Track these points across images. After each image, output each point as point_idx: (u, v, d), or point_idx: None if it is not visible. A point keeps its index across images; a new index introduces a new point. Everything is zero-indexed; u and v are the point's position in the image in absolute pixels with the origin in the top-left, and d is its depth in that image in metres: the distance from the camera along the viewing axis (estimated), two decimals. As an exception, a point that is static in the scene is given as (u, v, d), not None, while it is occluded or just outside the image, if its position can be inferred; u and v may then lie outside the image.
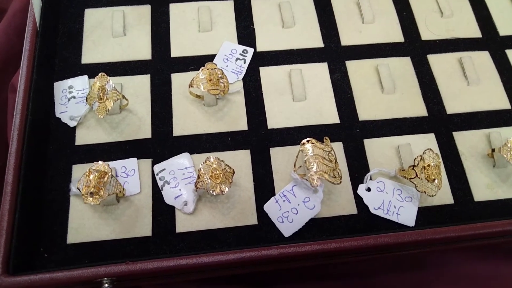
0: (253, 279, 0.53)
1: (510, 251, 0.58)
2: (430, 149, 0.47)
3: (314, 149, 0.46)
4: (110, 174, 0.44)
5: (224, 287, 0.52)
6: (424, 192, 0.47)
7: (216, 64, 0.51)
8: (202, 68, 0.50)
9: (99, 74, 0.49)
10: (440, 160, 0.47)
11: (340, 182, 0.46)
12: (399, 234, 0.44)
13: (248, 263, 0.42)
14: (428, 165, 0.46)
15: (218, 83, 0.50)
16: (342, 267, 0.55)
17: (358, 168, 0.51)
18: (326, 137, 0.48)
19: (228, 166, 0.46)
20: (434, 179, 0.46)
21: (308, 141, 0.47)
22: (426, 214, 0.49)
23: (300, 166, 0.48)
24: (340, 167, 0.51)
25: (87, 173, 0.44)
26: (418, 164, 0.47)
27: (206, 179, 0.44)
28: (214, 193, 0.44)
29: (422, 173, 0.46)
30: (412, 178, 0.47)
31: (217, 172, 0.44)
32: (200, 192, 0.47)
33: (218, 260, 0.41)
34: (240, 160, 0.51)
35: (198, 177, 0.45)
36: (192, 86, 0.50)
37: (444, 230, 0.44)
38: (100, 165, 0.45)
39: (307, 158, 0.46)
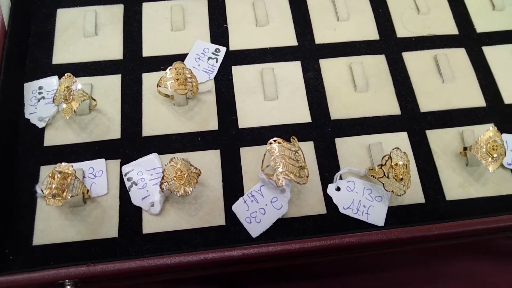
0: (223, 280, 0.52)
1: (487, 250, 0.58)
2: (398, 148, 0.46)
3: (281, 149, 0.46)
4: (73, 175, 0.44)
5: (195, 287, 0.52)
6: (392, 191, 0.46)
7: (184, 64, 0.50)
8: (170, 67, 0.50)
9: (66, 74, 0.49)
10: (408, 159, 0.46)
11: (306, 182, 0.46)
12: (364, 234, 0.43)
13: (212, 265, 0.42)
14: (396, 164, 0.46)
15: (185, 83, 0.49)
16: (317, 267, 0.54)
17: (329, 168, 0.51)
18: (294, 137, 0.47)
19: (193, 166, 0.46)
20: (402, 178, 0.46)
21: (275, 140, 0.46)
22: (397, 214, 0.49)
23: (268, 166, 0.47)
24: (310, 167, 0.51)
25: (50, 175, 0.44)
26: (386, 163, 0.46)
27: (170, 180, 0.44)
28: (178, 194, 0.44)
29: (390, 172, 0.46)
30: (380, 178, 0.46)
31: (182, 173, 0.44)
32: (166, 193, 0.47)
33: (180, 262, 0.41)
34: (209, 161, 0.50)
35: (163, 178, 0.45)
36: (160, 86, 0.50)
37: (410, 230, 0.44)
38: (64, 166, 0.44)
39: (274, 158, 0.46)
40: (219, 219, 0.48)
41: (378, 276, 0.55)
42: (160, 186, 0.45)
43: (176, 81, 0.49)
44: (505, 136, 0.53)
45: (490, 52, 0.59)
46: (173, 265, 0.41)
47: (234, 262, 0.42)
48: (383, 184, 0.46)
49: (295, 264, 0.54)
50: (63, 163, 0.45)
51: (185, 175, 0.44)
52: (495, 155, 0.47)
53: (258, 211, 0.47)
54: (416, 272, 0.56)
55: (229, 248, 0.42)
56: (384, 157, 0.46)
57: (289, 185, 0.47)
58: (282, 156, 0.45)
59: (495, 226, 0.44)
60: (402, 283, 0.54)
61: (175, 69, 0.49)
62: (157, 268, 0.41)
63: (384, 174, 0.46)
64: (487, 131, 0.48)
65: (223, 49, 0.57)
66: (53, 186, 0.43)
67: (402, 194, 0.46)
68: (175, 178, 0.44)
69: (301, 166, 0.46)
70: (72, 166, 0.45)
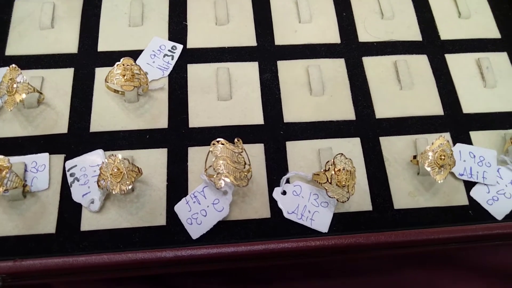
0: (162, 280, 0.52)
1: (445, 260, 0.57)
2: (342, 154, 0.46)
3: (223, 150, 0.45)
4: (9, 169, 0.43)
5: (135, 286, 0.51)
6: (335, 197, 0.45)
7: (132, 60, 0.49)
8: (117, 63, 0.49)
9: (10, 66, 0.48)
10: (354, 165, 0.46)
11: (247, 184, 0.45)
12: (299, 240, 0.43)
13: (141, 265, 0.41)
14: (339, 170, 0.45)
15: (133, 79, 0.48)
16: (261, 271, 0.54)
17: (278, 171, 0.50)
18: (238, 138, 0.46)
19: (133, 165, 0.45)
20: (344, 185, 0.45)
21: (218, 141, 0.46)
22: (343, 221, 0.48)
23: (210, 167, 0.46)
24: (259, 169, 0.50)
25: (-15, 167, 0.43)
26: (329, 168, 0.45)
27: (107, 177, 0.43)
28: (114, 192, 0.43)
29: (333, 178, 0.45)
30: (324, 183, 0.46)
31: (118, 170, 0.43)
32: (105, 191, 0.46)
33: (107, 261, 0.40)
34: (155, 159, 0.50)
35: (100, 175, 0.44)
36: (107, 81, 0.49)
37: (346, 238, 0.43)
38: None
39: (215, 159, 0.45)
40: (160, 219, 0.47)
41: (328, 284, 0.54)
42: (98, 183, 0.44)
43: (123, 77, 0.48)
44: (459, 146, 0.52)
45: (453, 60, 0.58)
46: (100, 264, 0.40)
47: (166, 263, 0.41)
48: (326, 190, 0.45)
49: (231, 268, 0.53)
50: (0, 156, 0.44)
51: (122, 173, 0.43)
52: (442, 165, 0.46)
53: (199, 213, 0.46)
54: (371, 281, 0.55)
55: (161, 249, 0.41)
56: (327, 162, 0.46)
57: (232, 187, 0.46)
58: (224, 157, 0.45)
59: (435, 237, 0.43)
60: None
61: (123, 65, 0.49)
62: (83, 266, 0.40)
63: (328, 180, 0.45)
64: (436, 140, 0.47)
65: (179, 47, 0.56)
66: (-14, 179, 0.42)
67: (345, 201, 0.45)
68: (111, 175, 0.43)
69: (243, 168, 0.45)
70: (9, 159, 0.44)
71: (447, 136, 0.53)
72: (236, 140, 0.46)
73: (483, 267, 0.55)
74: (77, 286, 0.50)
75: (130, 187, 0.43)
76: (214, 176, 0.44)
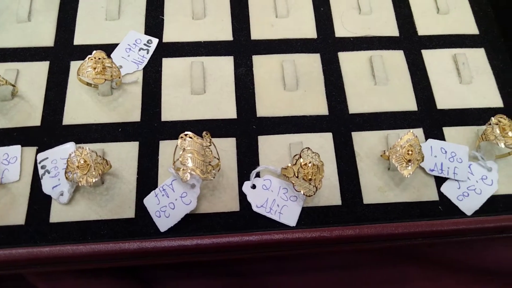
0: (134, 272, 0.52)
1: (416, 256, 0.57)
2: (309, 148, 0.46)
3: (191, 144, 0.45)
4: (-22, 160, 0.44)
5: (107, 279, 0.51)
6: (301, 191, 0.45)
7: (104, 53, 0.50)
8: (89, 56, 0.49)
9: (-18, 59, 0.48)
10: (321, 160, 0.46)
11: (213, 178, 0.45)
12: (263, 234, 0.43)
13: (105, 257, 0.41)
14: (305, 164, 0.45)
15: (104, 72, 0.49)
16: (233, 264, 0.54)
17: (249, 165, 0.50)
18: (206, 132, 0.47)
19: (101, 157, 0.45)
20: (311, 179, 0.45)
21: (186, 135, 0.46)
22: (312, 215, 0.48)
23: (177, 160, 0.47)
24: (229, 163, 0.50)
25: (-46, 158, 0.43)
26: (296, 162, 0.45)
27: (74, 170, 0.44)
28: (80, 184, 0.43)
29: (299, 172, 0.45)
30: (291, 177, 0.46)
31: (85, 163, 0.44)
32: (73, 183, 0.46)
33: (68, 252, 0.41)
34: (126, 152, 0.50)
35: (67, 167, 0.44)
36: (79, 74, 0.50)
37: (309, 232, 0.43)
38: (-32, 150, 0.44)
39: (182, 152, 0.45)
40: (129, 212, 0.47)
41: (300, 278, 0.55)
42: (65, 175, 0.44)
43: (94, 70, 0.48)
44: (431, 141, 0.52)
45: (429, 56, 0.58)
46: (64, 255, 0.40)
47: (130, 255, 0.42)
48: (293, 183, 0.46)
49: (218, 260, 0.54)
50: (-31, 148, 0.45)
51: (89, 166, 0.44)
52: (410, 160, 0.46)
53: (168, 206, 0.47)
54: (343, 275, 0.55)
55: (124, 241, 0.42)
56: (294, 156, 0.46)
57: (199, 180, 0.46)
58: (191, 151, 0.45)
59: (399, 232, 0.43)
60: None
61: (94, 58, 0.49)
62: (47, 257, 0.40)
63: (294, 174, 0.45)
64: (405, 135, 0.47)
65: (155, 41, 0.56)
66: (-46, 170, 0.43)
67: (311, 195, 0.46)
68: (78, 168, 0.43)
69: (210, 162, 0.46)
70: (-22, 151, 0.44)
71: (419, 131, 0.53)
72: (204, 133, 0.47)
73: (453, 263, 0.55)
74: (49, 277, 0.50)
75: (96, 179, 0.44)
76: (181, 170, 0.44)
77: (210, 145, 0.46)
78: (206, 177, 0.45)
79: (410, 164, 0.46)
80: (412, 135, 0.47)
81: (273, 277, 0.54)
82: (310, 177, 0.45)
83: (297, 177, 0.45)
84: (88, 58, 0.49)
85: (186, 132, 0.46)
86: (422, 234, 0.44)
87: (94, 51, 0.50)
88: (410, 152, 0.46)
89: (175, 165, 0.47)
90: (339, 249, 0.49)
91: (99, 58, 0.49)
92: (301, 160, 0.45)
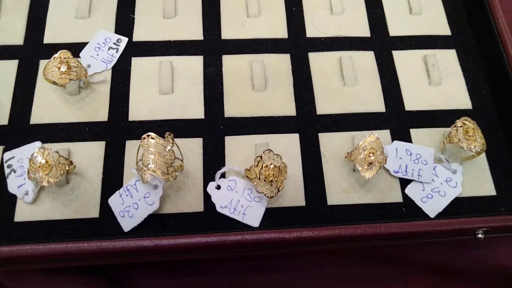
0: (102, 271, 0.53)
1: (381, 257, 0.57)
2: (270, 150, 0.46)
3: (153, 144, 0.45)
4: None
5: (73, 277, 0.52)
6: (263, 193, 0.46)
7: (70, 53, 0.50)
8: (54, 55, 0.49)
9: None
10: (283, 161, 0.46)
11: (174, 179, 0.45)
12: (221, 235, 0.43)
13: (64, 256, 0.42)
14: (267, 166, 0.45)
15: (69, 72, 0.49)
16: (200, 264, 0.55)
17: (215, 166, 0.50)
18: (169, 133, 0.47)
19: (64, 157, 0.46)
20: (272, 181, 0.45)
21: (148, 136, 0.46)
22: (275, 215, 0.49)
23: (140, 160, 0.47)
24: (195, 164, 0.50)
25: None
26: (258, 164, 0.46)
27: (36, 170, 0.44)
28: (42, 184, 0.44)
29: (261, 173, 0.45)
30: (253, 178, 0.46)
31: (47, 163, 0.44)
32: (36, 183, 0.47)
33: (31, 252, 0.41)
34: (92, 152, 0.50)
35: (30, 167, 0.44)
36: (45, 74, 0.50)
37: (268, 232, 0.44)
38: None
39: (144, 153, 0.45)
40: (93, 212, 0.48)
41: (264, 278, 0.55)
42: (28, 175, 0.45)
43: (58, 70, 0.48)
44: (396, 143, 0.52)
45: (400, 57, 0.58)
46: (24, 255, 0.41)
47: (89, 255, 0.42)
48: (255, 185, 0.46)
49: (184, 260, 0.54)
50: None
51: (51, 166, 0.44)
52: (371, 162, 0.46)
53: (131, 206, 0.47)
54: (309, 275, 0.56)
55: (84, 241, 0.42)
56: (256, 158, 0.46)
57: (162, 181, 0.47)
58: (153, 152, 0.45)
59: (358, 233, 0.43)
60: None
61: (59, 57, 0.49)
62: (8, 257, 0.41)
63: (256, 175, 0.46)
64: (367, 137, 0.48)
65: (125, 40, 0.56)
66: None
67: (273, 196, 0.46)
68: (39, 168, 0.44)
69: (172, 163, 0.46)
70: None
71: (386, 133, 0.53)
72: (166, 134, 0.47)
73: (422, 264, 0.56)
74: (15, 275, 0.51)
75: (58, 179, 0.44)
76: (142, 171, 0.45)
77: (172, 146, 0.46)
78: (167, 178, 0.45)
79: (371, 166, 0.47)
80: (374, 138, 0.48)
81: (241, 276, 0.55)
82: (271, 178, 0.45)
83: (259, 178, 0.46)
84: (53, 58, 0.49)
85: (148, 133, 0.46)
86: (380, 236, 0.44)
87: (60, 51, 0.50)
88: (371, 155, 0.46)
89: (138, 166, 0.47)
90: (303, 250, 0.49)
91: (65, 58, 0.49)
92: (263, 161, 0.46)
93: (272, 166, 0.45)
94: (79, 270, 0.53)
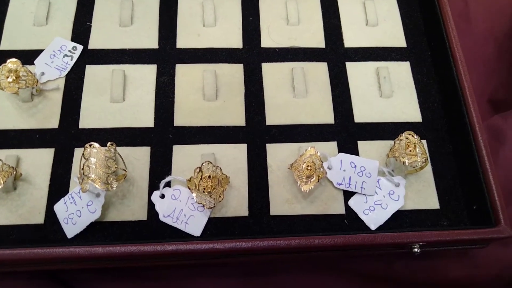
0: (53, 274, 0.53)
1: (330, 265, 0.58)
2: (209, 162, 0.47)
3: (94, 154, 0.46)
4: None
5: (23, 281, 0.53)
6: (201, 203, 0.47)
7: (19, 61, 0.51)
8: (3, 64, 0.50)
9: None
10: (223, 172, 0.47)
11: (114, 189, 0.46)
12: (158, 244, 0.44)
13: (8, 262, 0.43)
14: (205, 177, 0.46)
15: (18, 81, 0.50)
16: (150, 269, 0.55)
17: (161, 174, 0.51)
18: (111, 142, 0.48)
19: (8, 165, 0.46)
20: (210, 192, 0.46)
21: (90, 145, 0.47)
22: (218, 225, 0.49)
23: (82, 169, 0.48)
24: (141, 172, 0.51)
25: None
26: (197, 175, 0.47)
27: (-22, 177, 0.45)
28: (-18, 192, 0.45)
29: (200, 185, 0.46)
30: (193, 189, 0.47)
31: (-12, 171, 0.45)
32: (-18, 189, 0.48)
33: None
34: (41, 159, 0.51)
35: (-28, 174, 0.45)
36: (-6, 82, 0.51)
37: (202, 243, 0.44)
38: None
39: (85, 162, 0.46)
40: (38, 218, 0.49)
41: (215, 283, 0.56)
42: (-30, 182, 0.46)
43: (6, 79, 0.49)
44: (341, 155, 0.53)
45: (353, 68, 0.59)
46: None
47: (25, 262, 0.43)
48: (194, 196, 0.47)
49: (132, 266, 0.55)
50: None
51: (-8, 174, 0.45)
52: (309, 175, 0.47)
53: (75, 213, 0.48)
54: (258, 282, 0.57)
55: (13, 248, 0.43)
56: (196, 169, 0.47)
57: (103, 191, 0.47)
58: (93, 162, 0.46)
59: (292, 246, 0.44)
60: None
61: (8, 66, 0.50)
62: None
63: (196, 186, 0.47)
64: (307, 150, 0.48)
65: (80, 47, 0.57)
66: None
67: (212, 207, 0.47)
68: (-19, 176, 0.45)
69: (114, 172, 0.47)
70: None
71: (334, 144, 0.54)
72: (109, 144, 0.48)
73: (369, 274, 0.56)
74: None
75: (1, 186, 0.45)
76: (82, 179, 0.46)
77: (114, 156, 0.47)
78: (107, 188, 0.46)
79: (310, 179, 0.47)
80: (314, 151, 0.48)
81: (190, 282, 0.56)
82: (209, 190, 0.46)
83: (198, 189, 0.46)
84: (2, 66, 0.50)
85: (90, 143, 0.47)
86: (313, 247, 0.45)
87: (9, 60, 0.50)
88: (309, 168, 0.47)
89: (80, 175, 0.48)
90: (244, 260, 0.50)
91: (13, 67, 0.50)
92: (202, 173, 0.46)
93: (211, 178, 0.46)
94: (29, 273, 0.54)
